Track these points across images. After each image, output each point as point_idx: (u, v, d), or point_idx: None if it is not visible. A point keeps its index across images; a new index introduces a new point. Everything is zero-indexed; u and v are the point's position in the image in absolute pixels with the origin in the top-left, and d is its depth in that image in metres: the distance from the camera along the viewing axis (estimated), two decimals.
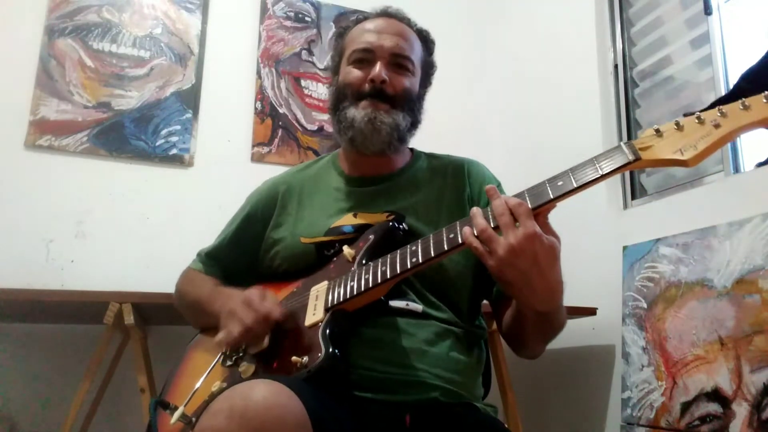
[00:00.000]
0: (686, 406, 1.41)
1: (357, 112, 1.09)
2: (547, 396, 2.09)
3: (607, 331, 1.82)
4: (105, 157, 2.05)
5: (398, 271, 0.88)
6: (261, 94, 2.31)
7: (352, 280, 0.92)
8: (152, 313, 1.66)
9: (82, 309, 1.62)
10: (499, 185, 1.13)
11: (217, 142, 2.20)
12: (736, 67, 1.65)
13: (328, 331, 0.88)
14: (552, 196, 0.79)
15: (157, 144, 2.12)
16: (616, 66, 2.03)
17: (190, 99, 2.20)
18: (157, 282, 1.58)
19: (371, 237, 1.00)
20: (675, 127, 0.76)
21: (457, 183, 1.13)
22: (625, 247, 1.71)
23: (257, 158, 2.23)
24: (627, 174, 1.94)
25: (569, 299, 2.03)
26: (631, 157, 0.76)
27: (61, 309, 1.64)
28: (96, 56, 2.12)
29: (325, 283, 0.97)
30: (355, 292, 0.90)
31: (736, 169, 1.59)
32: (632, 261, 1.67)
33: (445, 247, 0.84)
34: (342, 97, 1.13)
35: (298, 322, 0.94)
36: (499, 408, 1.71)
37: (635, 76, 2.00)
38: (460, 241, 0.82)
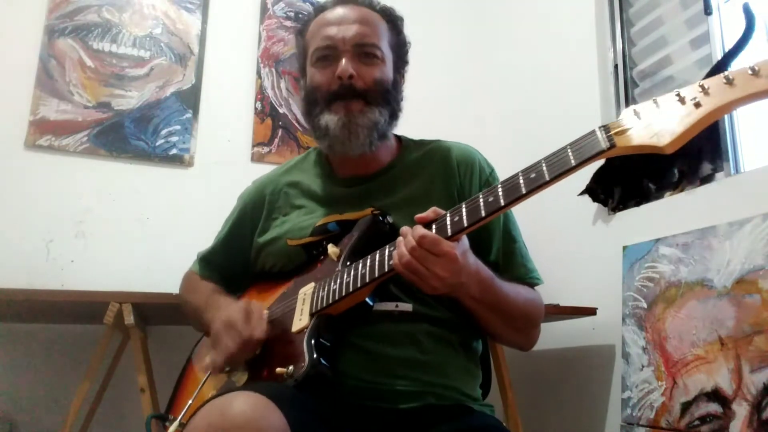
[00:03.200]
0: (686, 406, 1.41)
1: (330, 119, 1.03)
2: (547, 396, 2.09)
3: (607, 331, 1.82)
4: (105, 157, 2.05)
5: (376, 275, 0.87)
6: (261, 94, 2.31)
7: (335, 283, 0.91)
8: (152, 313, 1.66)
9: (82, 309, 1.61)
10: (491, 172, 1.11)
11: (217, 142, 2.20)
12: (736, 67, 1.65)
13: (313, 339, 0.87)
14: (524, 191, 0.76)
15: (157, 144, 2.12)
16: (616, 66, 2.03)
17: (190, 99, 2.20)
18: (157, 282, 1.58)
19: (355, 233, 0.98)
20: (654, 105, 0.69)
21: (445, 174, 1.09)
22: (625, 247, 1.71)
23: (257, 158, 2.23)
24: None
25: (569, 299, 2.03)
26: (605, 145, 0.70)
27: (61, 309, 1.64)
28: (96, 56, 2.12)
29: (312, 285, 0.96)
30: (336, 297, 0.89)
31: (736, 169, 1.59)
32: (632, 261, 1.67)
33: None
34: (313, 102, 1.07)
35: (286, 327, 0.93)
36: (499, 408, 1.71)
37: (635, 76, 1.99)
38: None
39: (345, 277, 0.90)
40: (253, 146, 2.24)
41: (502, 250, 1.05)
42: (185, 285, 1.25)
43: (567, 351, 2.02)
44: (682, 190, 1.67)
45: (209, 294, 1.14)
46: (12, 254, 1.87)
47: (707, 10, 1.71)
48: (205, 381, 1.00)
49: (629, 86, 2.00)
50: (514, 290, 0.99)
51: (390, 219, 0.99)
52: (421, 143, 1.17)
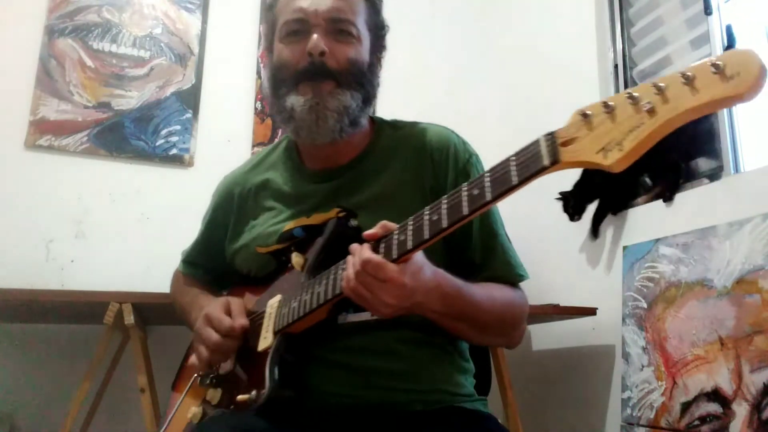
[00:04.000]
0: (686, 406, 1.41)
1: (296, 100, 0.94)
2: (547, 396, 2.09)
3: (607, 331, 1.82)
4: (105, 157, 2.05)
5: (329, 297, 0.81)
6: (261, 94, 2.31)
7: (295, 300, 0.86)
8: (152, 313, 1.66)
9: (82, 309, 1.61)
10: (470, 158, 1.01)
11: (217, 142, 2.20)
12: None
13: (275, 364, 0.84)
14: (466, 212, 0.68)
15: (157, 144, 2.12)
16: (616, 66, 2.03)
17: (190, 99, 2.20)
18: (157, 282, 1.58)
19: (319, 240, 0.93)
20: (604, 109, 0.57)
21: (419, 164, 0.99)
22: (625, 247, 1.71)
23: None
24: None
25: (569, 299, 2.02)
26: (547, 161, 0.60)
27: (61, 309, 1.64)
28: (96, 56, 2.12)
29: (278, 298, 0.92)
30: (296, 317, 0.85)
31: (736, 169, 1.59)
32: (632, 261, 1.67)
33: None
34: (279, 81, 0.98)
35: (254, 343, 0.90)
36: (500, 408, 1.71)
37: (635, 76, 2.00)
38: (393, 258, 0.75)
39: (304, 294, 0.85)
40: (253, 146, 2.24)
41: (480, 246, 0.97)
42: (174, 285, 1.24)
43: (567, 351, 2.02)
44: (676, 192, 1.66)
45: (195, 295, 1.13)
46: (12, 254, 1.87)
47: (707, 10, 1.71)
48: (186, 392, 1.00)
49: (629, 86, 1.99)
50: (488, 295, 0.91)
51: (355, 222, 0.93)
52: (395, 126, 1.08)
